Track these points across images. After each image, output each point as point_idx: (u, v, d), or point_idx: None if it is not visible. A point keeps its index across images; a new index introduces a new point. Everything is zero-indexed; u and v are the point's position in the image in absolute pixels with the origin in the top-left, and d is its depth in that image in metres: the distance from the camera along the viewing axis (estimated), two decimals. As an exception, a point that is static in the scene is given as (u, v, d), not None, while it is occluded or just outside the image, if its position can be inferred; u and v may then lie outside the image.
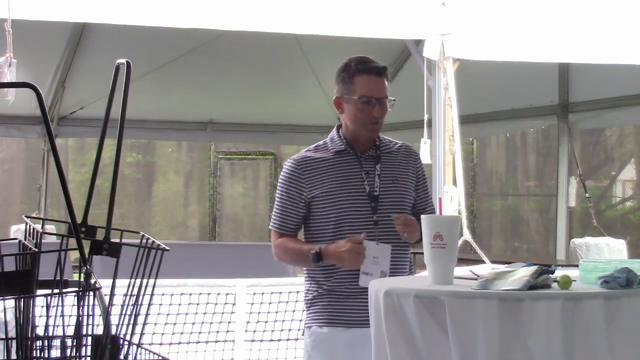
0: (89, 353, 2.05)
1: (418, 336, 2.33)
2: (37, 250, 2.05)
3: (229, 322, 4.99)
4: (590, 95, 8.98)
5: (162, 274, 2.08)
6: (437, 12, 5.87)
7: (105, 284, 2.10)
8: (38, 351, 2.08)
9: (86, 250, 2.00)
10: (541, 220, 12.68)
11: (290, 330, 5.08)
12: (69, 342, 2.09)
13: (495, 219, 13.40)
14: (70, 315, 2.01)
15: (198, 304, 4.92)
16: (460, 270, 2.78)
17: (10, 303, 2.02)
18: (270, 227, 3.34)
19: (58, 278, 1.96)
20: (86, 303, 2.01)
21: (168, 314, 4.85)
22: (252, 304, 5.05)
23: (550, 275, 2.40)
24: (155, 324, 4.78)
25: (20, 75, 4.90)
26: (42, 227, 2.26)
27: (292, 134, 10.94)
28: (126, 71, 2.09)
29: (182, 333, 4.90)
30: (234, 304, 5.00)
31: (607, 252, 8.32)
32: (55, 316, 2.01)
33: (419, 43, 6.71)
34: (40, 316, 2.05)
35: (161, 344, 4.79)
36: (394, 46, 8.93)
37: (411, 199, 3.31)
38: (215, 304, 4.95)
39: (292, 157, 3.31)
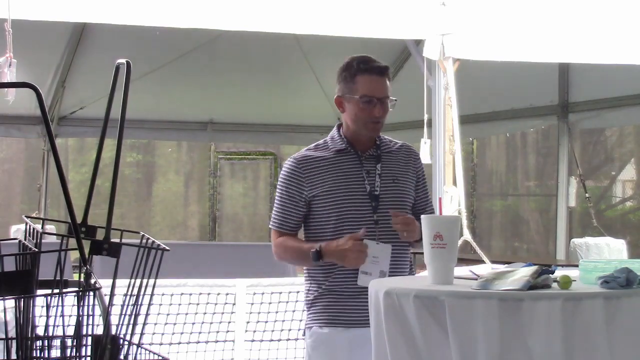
0: (89, 353, 2.05)
1: (418, 336, 2.33)
2: (37, 250, 2.05)
3: (229, 322, 4.99)
4: (590, 95, 8.98)
5: (162, 274, 2.08)
6: (437, 12, 5.87)
7: (105, 284, 2.10)
8: (38, 351, 2.08)
9: (86, 250, 2.00)
10: (541, 220, 12.68)
11: (290, 330, 5.08)
12: (69, 342, 2.09)
13: (495, 219, 13.40)
14: (70, 315, 2.01)
15: (198, 304, 4.92)
16: (460, 270, 2.78)
17: (10, 303, 2.02)
18: (270, 226, 3.34)
19: (58, 278, 1.96)
20: (86, 303, 2.00)
21: (168, 314, 4.85)
22: (252, 304, 5.04)
23: (550, 275, 2.40)
24: (155, 324, 4.78)
25: (20, 75, 4.90)
26: (42, 227, 2.26)
27: (292, 134, 10.95)
28: (126, 71, 2.09)
29: (182, 333, 4.90)
30: (234, 304, 5.00)
31: (607, 252, 8.32)
32: (55, 316, 2.01)
33: (419, 43, 6.71)
34: (40, 316, 2.05)
35: (161, 344, 4.79)
36: (394, 46, 8.93)
37: (411, 198, 3.31)
38: (215, 304, 4.95)
39: (292, 156, 3.30)
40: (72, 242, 2.01)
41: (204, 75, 9.70)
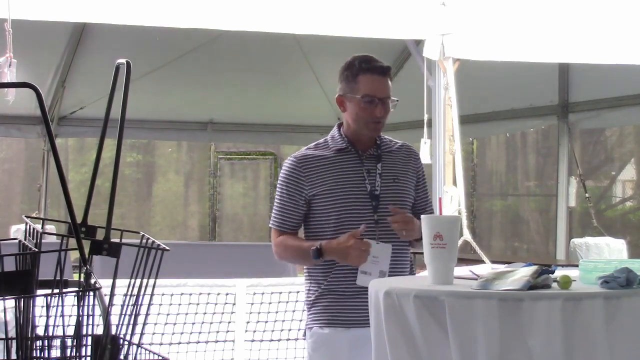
0: (89, 353, 2.05)
1: (418, 336, 2.33)
2: (37, 250, 2.05)
3: (229, 322, 4.99)
4: (590, 95, 8.98)
5: (162, 274, 2.08)
6: (437, 12, 5.87)
7: (105, 284, 2.10)
8: (38, 351, 2.08)
9: (86, 250, 2.00)
10: (541, 220, 12.69)
11: (290, 330, 5.08)
12: (69, 342, 2.09)
13: (495, 219, 13.40)
14: (70, 315, 2.01)
15: (198, 304, 4.92)
16: (460, 270, 2.78)
17: (10, 303, 2.02)
18: (270, 225, 3.33)
19: (58, 278, 1.96)
20: (86, 303, 2.01)
21: (168, 314, 4.85)
22: (252, 304, 5.04)
23: (550, 275, 2.40)
24: (155, 324, 4.78)
25: (20, 75, 4.90)
26: (42, 227, 2.26)
27: (292, 134, 10.94)
28: (126, 71, 2.09)
29: (182, 333, 4.90)
30: (234, 304, 5.00)
31: (607, 252, 8.32)
32: (55, 316, 2.01)
33: (419, 43, 6.71)
34: (40, 316, 2.05)
35: (161, 344, 4.79)
36: (394, 46, 8.93)
37: (411, 198, 3.31)
38: (215, 304, 4.95)
39: (293, 154, 3.30)
40: (72, 242, 2.01)
41: (204, 75, 9.69)
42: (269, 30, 6.01)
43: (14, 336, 2.05)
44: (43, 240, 2.16)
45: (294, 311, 5.07)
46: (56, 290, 1.96)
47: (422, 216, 2.63)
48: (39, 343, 2.08)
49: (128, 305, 2.06)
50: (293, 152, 3.37)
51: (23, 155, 13.93)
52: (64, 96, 9.45)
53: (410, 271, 3.30)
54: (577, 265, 2.66)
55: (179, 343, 4.87)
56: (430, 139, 6.38)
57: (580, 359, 2.23)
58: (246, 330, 5.03)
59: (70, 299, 2.03)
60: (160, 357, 2.17)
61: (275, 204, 3.31)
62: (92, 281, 2.05)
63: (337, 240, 3.12)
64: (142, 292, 2.06)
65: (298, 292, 5.02)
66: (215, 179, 12.81)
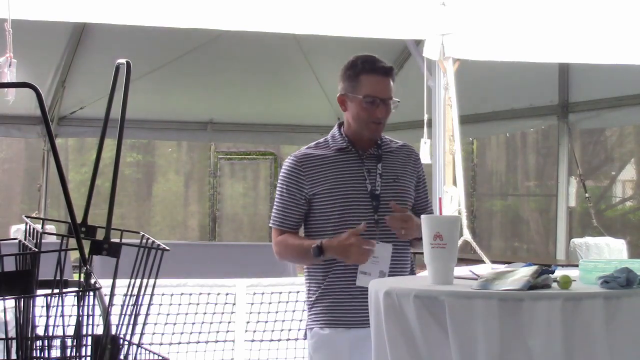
0: (89, 353, 2.05)
1: (418, 336, 2.33)
2: (37, 250, 2.05)
3: (229, 322, 4.99)
4: (590, 95, 8.98)
5: (162, 274, 2.08)
6: (437, 12, 5.87)
7: (105, 284, 2.10)
8: (38, 351, 2.08)
9: (86, 250, 2.00)
10: (541, 220, 12.69)
11: (290, 330, 5.08)
12: (69, 342, 2.09)
13: (495, 219, 13.41)
14: (70, 315, 2.01)
15: (198, 304, 4.92)
16: (460, 270, 2.78)
17: (10, 303, 2.02)
18: (270, 225, 3.32)
19: (58, 278, 1.96)
20: (86, 303, 2.00)
21: (168, 314, 4.85)
22: (252, 304, 5.04)
23: (550, 275, 2.40)
24: (155, 324, 4.78)
25: (20, 75, 4.89)
26: (42, 227, 2.26)
27: (292, 134, 10.95)
28: (126, 71, 2.09)
29: (182, 333, 4.90)
30: (234, 304, 5.00)
31: (607, 252, 8.32)
32: (55, 316, 2.01)
33: (419, 43, 6.71)
34: (40, 316, 2.05)
35: (161, 344, 4.79)
36: (394, 46, 8.92)
37: (412, 198, 3.30)
38: (215, 304, 4.95)
39: (293, 154, 3.30)
40: (72, 242, 2.01)
41: (204, 75, 9.70)
42: (269, 30, 6.01)
43: (14, 336, 2.05)
44: (43, 240, 2.16)
45: (294, 311, 5.07)
46: (56, 290, 1.96)
47: (422, 216, 2.63)
48: (39, 343, 2.08)
49: (128, 305, 2.06)
50: (293, 152, 3.36)
51: (23, 155, 13.93)
52: (64, 96, 9.46)
53: (411, 271, 3.29)
54: (577, 265, 2.66)
55: (179, 343, 4.87)
56: (430, 139, 6.38)
57: (580, 359, 2.23)
58: (246, 330, 5.03)
59: (70, 299, 2.03)
60: (160, 357, 2.17)
61: (275, 203, 3.30)
62: (92, 281, 2.04)
63: (338, 238, 3.11)
64: (142, 292, 2.06)
65: (298, 292, 5.02)
66: (215, 179, 12.81)
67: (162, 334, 4.83)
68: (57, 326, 2.05)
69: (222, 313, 4.97)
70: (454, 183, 6.23)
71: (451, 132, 6.27)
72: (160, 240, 2.11)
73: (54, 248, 1.99)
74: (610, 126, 11.65)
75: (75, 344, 2.04)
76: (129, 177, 14.24)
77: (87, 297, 2.01)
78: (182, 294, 4.89)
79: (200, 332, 4.93)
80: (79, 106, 9.59)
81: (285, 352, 5.09)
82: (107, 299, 2.06)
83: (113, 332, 2.04)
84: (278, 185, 3.29)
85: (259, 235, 13.23)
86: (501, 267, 2.74)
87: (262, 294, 5.07)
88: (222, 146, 12.80)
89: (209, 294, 4.94)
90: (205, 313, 4.93)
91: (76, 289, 2.04)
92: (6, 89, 4.93)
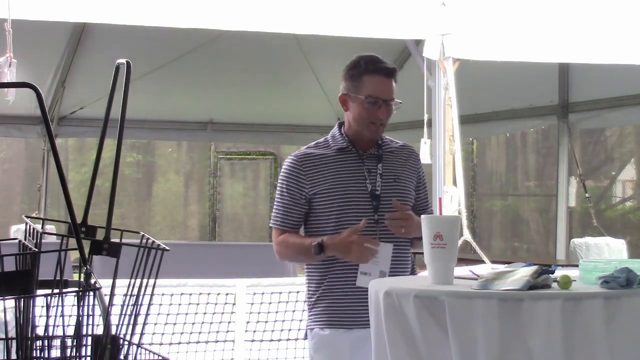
0: (89, 353, 2.05)
1: (418, 336, 2.33)
2: (37, 250, 2.05)
3: (229, 322, 4.99)
4: (590, 95, 8.98)
5: (162, 274, 2.08)
6: (437, 12, 5.87)
7: (105, 284, 2.09)
8: (38, 351, 2.08)
9: (86, 250, 2.00)
10: (541, 220, 12.69)
11: (290, 330, 5.08)
12: (69, 342, 2.09)
13: (495, 219, 13.41)
14: (70, 315, 2.01)
15: (198, 304, 4.92)
16: (460, 270, 2.78)
17: (10, 303, 2.02)
18: (271, 225, 3.32)
19: (58, 278, 1.96)
20: (86, 303, 2.00)
21: (168, 314, 4.85)
22: (252, 304, 5.04)
23: (550, 275, 2.40)
24: (155, 324, 4.78)
25: (20, 75, 4.89)
26: (42, 227, 2.26)
27: (292, 134, 10.95)
28: (126, 71, 2.09)
29: (182, 333, 4.90)
30: (234, 304, 5.00)
31: (607, 252, 8.32)
32: (55, 316, 2.01)
33: (419, 43, 6.71)
34: (40, 316, 2.05)
35: (161, 344, 4.79)
36: (394, 46, 8.92)
37: (412, 198, 3.30)
38: (215, 304, 4.95)
39: (293, 153, 3.29)
40: (72, 242, 2.01)
41: (204, 75, 9.70)
42: (269, 30, 6.01)
43: (14, 336, 2.05)
44: (43, 240, 2.16)
45: (294, 311, 5.07)
46: (56, 290, 1.96)
47: (422, 216, 2.63)
48: (39, 343, 2.08)
49: (128, 305, 2.06)
50: (293, 152, 3.36)
51: (23, 155, 13.94)
52: (64, 96, 9.46)
53: (412, 271, 3.29)
54: (577, 265, 2.66)
55: (179, 343, 4.87)
56: (430, 139, 6.37)
57: (580, 359, 2.23)
58: (246, 330, 5.03)
59: (70, 299, 2.03)
60: (160, 357, 2.17)
61: (275, 203, 3.30)
62: (92, 281, 2.04)
63: (339, 235, 3.10)
64: (142, 292, 2.06)
65: (298, 292, 5.01)
66: (215, 179, 12.82)
67: (162, 334, 4.83)
68: (57, 326, 2.05)
69: (222, 313, 4.96)
70: (454, 183, 6.23)
71: (451, 132, 6.27)
72: (160, 240, 2.11)
73: (54, 248, 1.99)
74: (610, 126, 11.65)
75: (75, 344, 2.04)
76: (129, 177, 14.24)
77: (87, 297, 2.01)
78: (182, 294, 4.89)
79: (200, 332, 4.93)
80: (79, 106, 9.59)
81: (285, 352, 5.09)
82: (107, 299, 2.06)
83: (113, 332, 2.04)
84: (278, 185, 3.29)
85: (259, 235, 13.23)
86: (501, 267, 2.74)
87: (262, 294, 5.07)
88: (222, 146, 12.80)
89: (209, 294, 4.94)
90: (205, 313, 4.93)
91: (76, 289, 2.04)
92: (6, 89, 4.93)
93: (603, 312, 2.23)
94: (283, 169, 3.28)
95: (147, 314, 2.17)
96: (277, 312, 5.07)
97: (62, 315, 2.00)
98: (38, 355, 2.08)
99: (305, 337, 3.34)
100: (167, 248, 2.08)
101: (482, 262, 5.95)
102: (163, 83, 9.44)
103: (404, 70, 9.25)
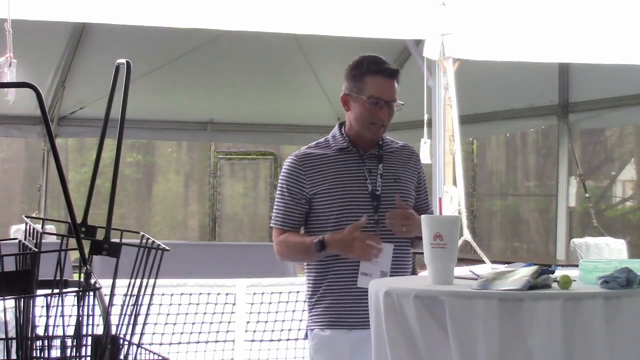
0: (89, 353, 2.05)
1: (418, 336, 2.33)
2: (37, 250, 2.05)
3: (229, 322, 4.99)
4: (590, 95, 8.98)
5: (162, 274, 2.08)
6: (437, 12, 5.87)
7: (105, 284, 2.09)
8: (38, 351, 2.08)
9: (86, 250, 2.00)
10: (541, 220, 12.69)
11: (290, 330, 5.08)
12: (69, 342, 2.09)
13: (495, 219, 13.41)
14: (70, 315, 2.01)
15: (198, 304, 4.92)
16: (460, 270, 2.77)
17: (10, 303, 2.02)
18: (271, 225, 3.31)
19: (58, 278, 1.96)
20: (86, 303, 2.00)
21: (168, 314, 4.85)
22: (252, 304, 5.04)
23: (550, 275, 2.40)
24: (155, 324, 4.78)
25: (20, 75, 4.89)
26: (42, 227, 2.26)
27: (292, 134, 10.94)
28: (126, 71, 2.09)
29: (182, 333, 4.90)
30: (234, 304, 5.00)
31: (607, 252, 8.32)
32: (55, 316, 2.01)
33: (419, 43, 6.71)
34: (40, 316, 2.05)
35: (161, 344, 4.79)
36: (394, 46, 8.92)
37: (412, 199, 3.30)
38: (215, 304, 4.95)
39: (293, 153, 3.29)
40: (72, 242, 2.01)
41: (204, 75, 9.70)
42: (269, 30, 6.01)
43: (14, 336, 2.05)
44: (43, 240, 2.16)
45: (294, 311, 5.06)
46: (56, 290, 1.96)
47: (422, 216, 2.63)
48: (39, 343, 2.08)
49: (128, 305, 2.06)
50: (293, 152, 3.36)
51: (23, 155, 13.94)
52: (64, 96, 9.45)
53: (412, 271, 3.29)
54: (577, 265, 2.66)
55: (179, 343, 4.87)
56: (430, 139, 6.38)
57: (580, 359, 2.23)
58: (246, 330, 5.03)
59: (70, 299, 2.03)
60: (160, 357, 2.17)
61: (276, 203, 3.29)
62: (92, 281, 2.05)
63: (340, 232, 3.09)
64: (142, 292, 2.06)
65: (298, 292, 5.01)
66: (215, 179, 12.82)
67: (162, 334, 4.83)
68: (57, 326, 2.05)
69: (222, 313, 4.96)
70: (454, 183, 6.23)
71: (451, 132, 6.27)
72: (160, 240, 2.11)
73: (54, 248, 1.99)
74: (610, 126, 11.65)
75: (75, 344, 2.04)
76: (129, 177, 14.25)
77: (87, 297, 2.01)
78: (182, 294, 4.89)
79: (200, 332, 4.93)
80: (79, 106, 9.59)
81: (285, 352, 5.09)
82: (107, 299, 2.06)
83: (113, 332, 2.04)
84: (279, 184, 3.28)
85: (259, 235, 13.23)
86: (501, 267, 2.74)
87: (262, 294, 5.07)
88: (222, 146, 12.80)
89: (209, 294, 4.94)
90: (205, 313, 4.93)
91: (76, 289, 2.04)
92: (6, 89, 4.93)
93: (603, 312, 2.23)
94: (283, 169, 3.28)
95: (147, 314, 2.17)
96: (277, 312, 5.07)
97: (62, 315, 2.00)
98: (38, 355, 2.08)
99: (306, 338, 3.34)
100: (167, 248, 2.08)
101: (482, 262, 5.95)
102: (163, 83, 9.44)
103: (404, 70, 9.20)
